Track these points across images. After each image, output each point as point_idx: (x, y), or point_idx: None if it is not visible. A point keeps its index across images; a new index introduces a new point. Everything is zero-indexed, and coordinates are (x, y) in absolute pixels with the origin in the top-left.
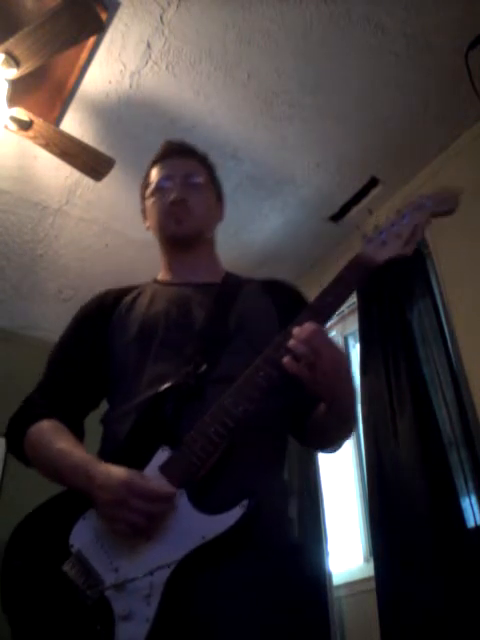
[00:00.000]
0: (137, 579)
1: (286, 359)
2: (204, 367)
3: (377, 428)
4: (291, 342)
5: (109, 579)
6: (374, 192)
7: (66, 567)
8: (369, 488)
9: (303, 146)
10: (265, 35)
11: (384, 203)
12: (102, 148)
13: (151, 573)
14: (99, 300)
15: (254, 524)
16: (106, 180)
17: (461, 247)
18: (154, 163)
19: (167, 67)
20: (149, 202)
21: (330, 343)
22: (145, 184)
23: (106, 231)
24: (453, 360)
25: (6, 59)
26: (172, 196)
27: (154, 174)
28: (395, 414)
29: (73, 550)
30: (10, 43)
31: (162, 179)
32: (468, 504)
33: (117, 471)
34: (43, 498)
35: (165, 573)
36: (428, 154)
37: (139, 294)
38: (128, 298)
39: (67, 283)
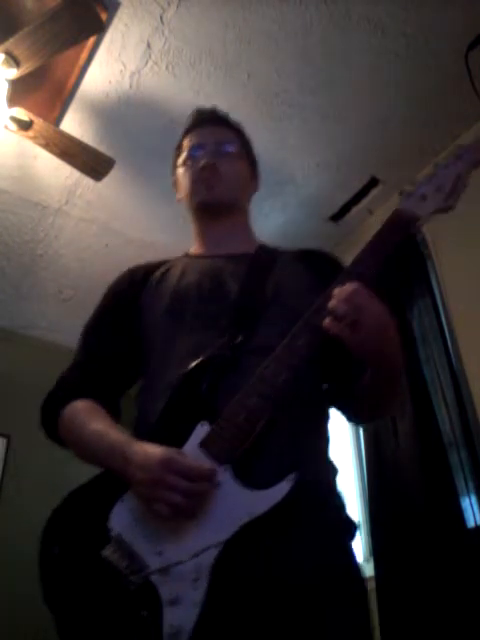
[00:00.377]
0: (183, 562)
1: (327, 320)
2: (240, 338)
3: (377, 428)
4: (331, 303)
5: (153, 563)
6: (374, 192)
7: (107, 552)
8: (369, 488)
9: (303, 146)
10: (265, 35)
11: (384, 203)
12: (102, 148)
13: (197, 555)
14: (129, 275)
15: (303, 499)
16: (106, 180)
17: (461, 247)
18: (186, 132)
19: (167, 67)
20: (180, 171)
21: (373, 300)
22: (176, 154)
23: (106, 231)
24: (453, 360)
25: (6, 59)
26: (203, 161)
27: (186, 144)
28: (395, 414)
29: (113, 534)
30: (10, 43)
31: (193, 148)
32: (468, 504)
33: (154, 449)
34: (43, 498)
35: (212, 554)
36: (428, 154)
37: (169, 268)
38: (158, 272)
39: (67, 283)
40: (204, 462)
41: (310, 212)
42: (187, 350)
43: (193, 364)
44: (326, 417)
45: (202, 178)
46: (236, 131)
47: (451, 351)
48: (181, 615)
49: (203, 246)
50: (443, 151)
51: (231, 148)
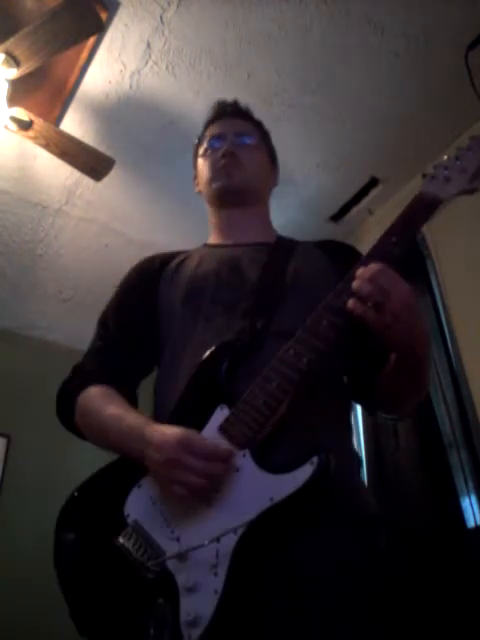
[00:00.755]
0: (202, 547)
1: (351, 301)
2: (261, 322)
3: (377, 428)
4: (355, 284)
5: (171, 549)
6: (374, 192)
7: (123, 539)
8: (369, 488)
9: (303, 146)
10: (265, 35)
11: (384, 203)
12: (102, 148)
13: (217, 540)
14: (146, 264)
15: (326, 484)
16: (106, 180)
17: (461, 247)
18: (207, 124)
19: (167, 67)
20: (199, 162)
21: (398, 281)
22: (197, 147)
23: (106, 231)
24: (453, 360)
25: (6, 59)
26: (222, 149)
27: (207, 133)
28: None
29: (129, 520)
30: (10, 43)
31: (213, 139)
32: (468, 504)
33: (172, 430)
34: (43, 498)
35: (232, 540)
36: (428, 154)
37: (186, 257)
38: (175, 262)
39: (67, 283)
40: (223, 444)
41: (310, 212)
42: (205, 336)
43: (213, 348)
44: (348, 407)
45: (221, 165)
46: (256, 124)
47: (451, 351)
48: (199, 603)
49: (221, 236)
50: (443, 151)
51: (251, 140)
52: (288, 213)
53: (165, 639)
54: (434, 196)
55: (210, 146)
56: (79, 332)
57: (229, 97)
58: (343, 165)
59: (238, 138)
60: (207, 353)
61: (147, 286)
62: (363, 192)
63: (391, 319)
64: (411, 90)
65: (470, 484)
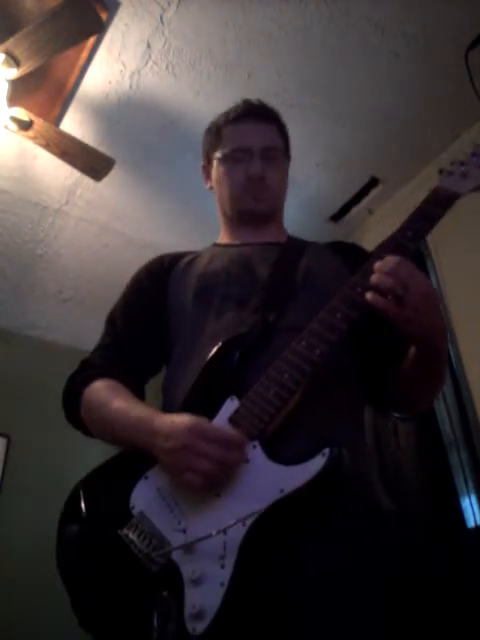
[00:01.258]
0: (208, 538)
1: (371, 295)
2: (272, 317)
3: (377, 428)
4: (374, 277)
5: (176, 541)
6: (374, 192)
7: (128, 530)
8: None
9: (303, 146)
10: (265, 35)
11: (384, 203)
12: (102, 148)
13: (224, 531)
14: (155, 263)
15: (339, 477)
16: (106, 180)
17: (461, 247)
18: (230, 123)
19: (167, 67)
20: (220, 169)
21: (417, 273)
22: (213, 142)
23: (106, 231)
24: (453, 360)
25: (6, 59)
26: (251, 171)
27: (229, 137)
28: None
29: (135, 512)
30: (10, 43)
31: (239, 148)
32: (468, 504)
33: (182, 418)
34: (43, 498)
35: (240, 531)
36: (428, 154)
37: (196, 257)
38: (185, 261)
39: (67, 283)
40: (234, 432)
41: (310, 212)
42: (216, 332)
43: (225, 339)
44: (361, 404)
45: (249, 188)
46: (281, 128)
47: (451, 351)
48: (204, 595)
49: (231, 236)
50: (443, 151)
51: (278, 154)
52: (288, 213)
53: (169, 632)
54: (451, 191)
55: (233, 154)
56: (79, 332)
57: (230, 97)
58: (343, 165)
59: (266, 152)
60: (219, 344)
61: (156, 285)
62: (363, 192)
63: (412, 312)
64: (411, 90)
65: (470, 484)
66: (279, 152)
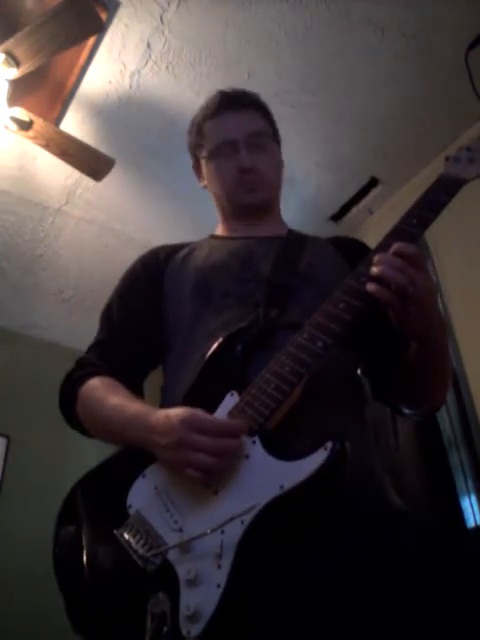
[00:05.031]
0: (205, 536)
1: (375, 287)
2: (274, 313)
3: (377, 428)
4: (378, 268)
5: (172, 540)
6: (374, 192)
7: (123, 530)
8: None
9: (303, 146)
10: (265, 35)
11: (384, 203)
12: (102, 148)
13: (222, 530)
14: (151, 255)
15: (341, 471)
16: (106, 180)
17: (461, 247)
18: (208, 117)
19: (167, 67)
20: (209, 166)
21: (424, 268)
22: (197, 140)
23: (106, 231)
24: (453, 360)
25: (6, 59)
26: (240, 163)
27: (211, 133)
28: (395, 414)
29: (131, 511)
30: (10, 43)
31: (223, 143)
32: (468, 504)
33: (176, 411)
34: (43, 498)
35: (238, 530)
36: (428, 154)
37: (194, 249)
38: (182, 253)
39: (67, 283)
40: (231, 420)
41: (310, 212)
42: (215, 329)
43: (225, 335)
44: (364, 402)
45: (242, 180)
46: (262, 110)
47: (451, 351)
48: (200, 596)
49: (231, 229)
50: (443, 151)
51: (265, 139)
52: (288, 213)
53: (163, 634)
54: (456, 177)
55: (218, 150)
56: (79, 332)
57: None
58: (343, 165)
59: (252, 139)
60: (220, 339)
61: (152, 278)
62: (363, 192)
63: (415, 309)
64: (411, 90)
65: (470, 484)
66: (265, 137)
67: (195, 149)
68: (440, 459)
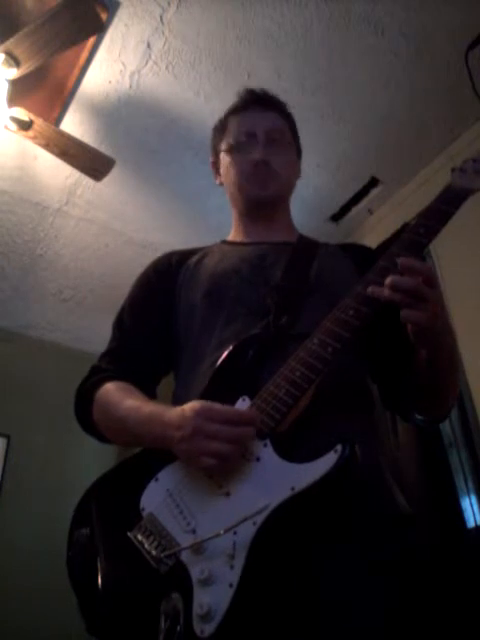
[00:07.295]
0: (217, 537)
1: (394, 293)
2: (285, 318)
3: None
4: (393, 278)
5: (185, 542)
6: (374, 192)
7: (136, 532)
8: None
9: (303, 146)
10: (265, 35)
11: (384, 203)
12: (102, 148)
13: (234, 531)
14: (163, 261)
15: (352, 474)
16: (106, 180)
17: (461, 247)
18: (233, 113)
19: (167, 67)
20: (226, 159)
21: (436, 281)
22: (219, 136)
23: (106, 231)
24: None
25: (6, 59)
26: (255, 156)
27: (233, 127)
28: (395, 414)
29: (144, 514)
30: (10, 43)
31: (242, 136)
32: (468, 504)
33: (190, 404)
34: (43, 498)
35: (251, 531)
36: (428, 154)
37: (206, 254)
38: (194, 258)
39: (67, 283)
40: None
41: (310, 212)
42: (226, 335)
43: (237, 341)
44: (373, 408)
45: (255, 174)
46: (285, 113)
47: None
48: (213, 596)
49: (242, 234)
50: (443, 151)
51: (282, 139)
52: None
53: (176, 634)
54: (463, 187)
55: (237, 143)
56: (79, 332)
57: (230, 97)
58: (343, 165)
59: (270, 139)
60: (232, 345)
61: (164, 284)
62: (363, 192)
63: (431, 318)
64: (411, 90)
65: (470, 484)
66: (284, 135)
67: (216, 144)
68: (440, 459)
